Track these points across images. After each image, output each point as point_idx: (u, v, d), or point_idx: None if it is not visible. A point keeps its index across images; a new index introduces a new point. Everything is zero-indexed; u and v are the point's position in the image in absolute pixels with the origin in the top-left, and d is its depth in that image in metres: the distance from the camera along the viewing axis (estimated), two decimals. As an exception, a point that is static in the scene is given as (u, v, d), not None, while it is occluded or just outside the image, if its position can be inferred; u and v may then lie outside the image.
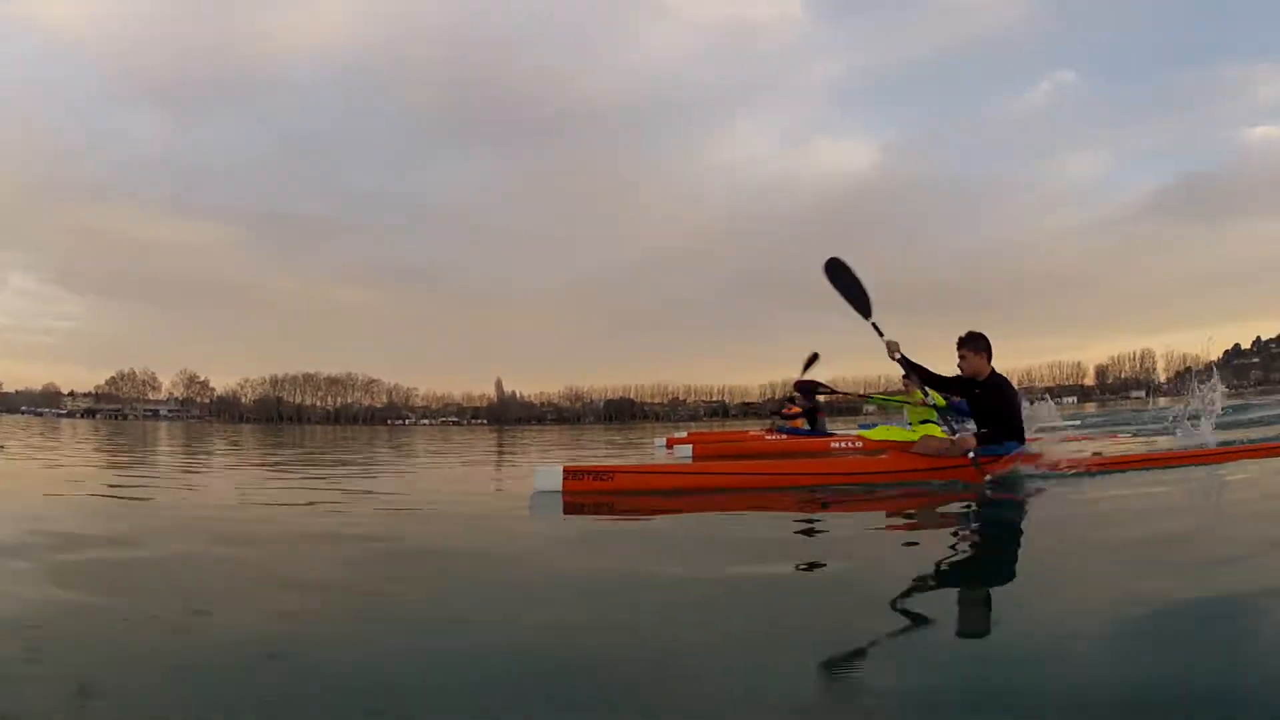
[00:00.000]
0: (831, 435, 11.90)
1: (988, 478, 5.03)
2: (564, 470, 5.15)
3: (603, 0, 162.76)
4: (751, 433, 15.29)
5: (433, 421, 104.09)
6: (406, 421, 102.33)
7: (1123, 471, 5.40)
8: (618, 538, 3.81)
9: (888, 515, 4.33)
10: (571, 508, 4.63)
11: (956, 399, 5.88)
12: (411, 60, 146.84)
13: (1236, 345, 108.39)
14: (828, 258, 5.77)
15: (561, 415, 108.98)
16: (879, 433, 9.43)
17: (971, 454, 5.06)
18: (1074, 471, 5.18)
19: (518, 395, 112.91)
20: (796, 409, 15.49)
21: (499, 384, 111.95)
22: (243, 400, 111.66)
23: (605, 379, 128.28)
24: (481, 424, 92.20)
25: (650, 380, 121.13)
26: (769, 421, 17.27)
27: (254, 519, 4.49)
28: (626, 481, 5.29)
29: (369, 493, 5.94)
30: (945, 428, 6.04)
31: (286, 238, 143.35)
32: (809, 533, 3.72)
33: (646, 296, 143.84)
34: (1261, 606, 1.97)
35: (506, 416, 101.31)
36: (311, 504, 5.20)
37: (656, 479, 5.55)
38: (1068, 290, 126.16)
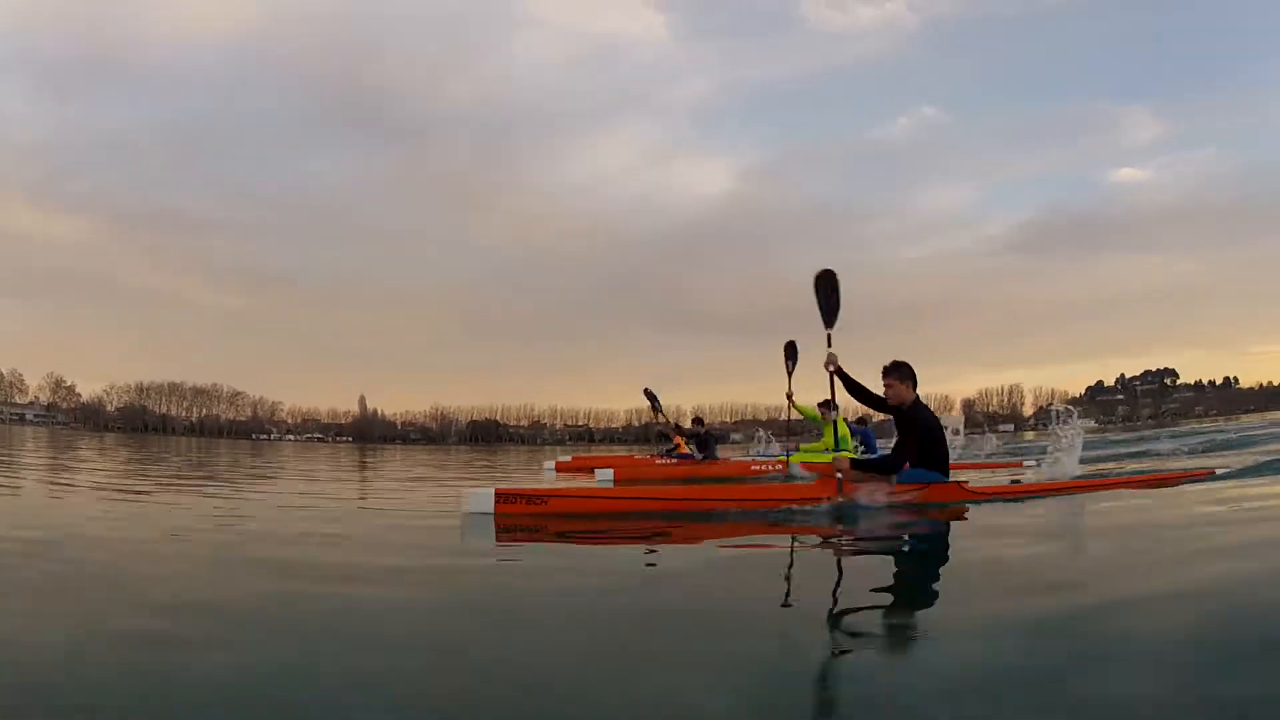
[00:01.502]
0: (744, 461, 12.06)
1: (907, 500, 5.26)
2: (496, 493, 5.07)
3: (474, 5, 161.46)
4: (638, 457, 15.54)
5: (298, 437, 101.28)
6: (271, 437, 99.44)
7: (1037, 498, 5.74)
8: (531, 560, 3.80)
9: (799, 541, 4.39)
10: (504, 531, 4.57)
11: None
12: (286, 53, 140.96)
13: (1100, 382, 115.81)
14: (822, 269, 5.96)
15: (426, 435, 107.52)
16: (798, 458, 9.64)
17: (840, 474, 5.29)
18: (985, 500, 5.47)
19: (379, 413, 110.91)
20: (680, 437, 15.94)
21: (362, 401, 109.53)
22: (108, 408, 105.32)
23: (470, 397, 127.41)
24: (346, 441, 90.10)
25: (516, 401, 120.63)
26: (654, 448, 17.68)
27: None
28: (560, 505, 5.26)
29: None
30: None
31: (156, 234, 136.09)
32: (728, 558, 3.79)
33: (507, 309, 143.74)
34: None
35: (370, 435, 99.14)
36: (239, 524, 4.94)
37: (591, 503, 5.55)
38: (928, 321, 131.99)
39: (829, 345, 5.78)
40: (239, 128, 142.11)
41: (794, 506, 5.35)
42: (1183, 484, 6.21)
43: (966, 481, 5.70)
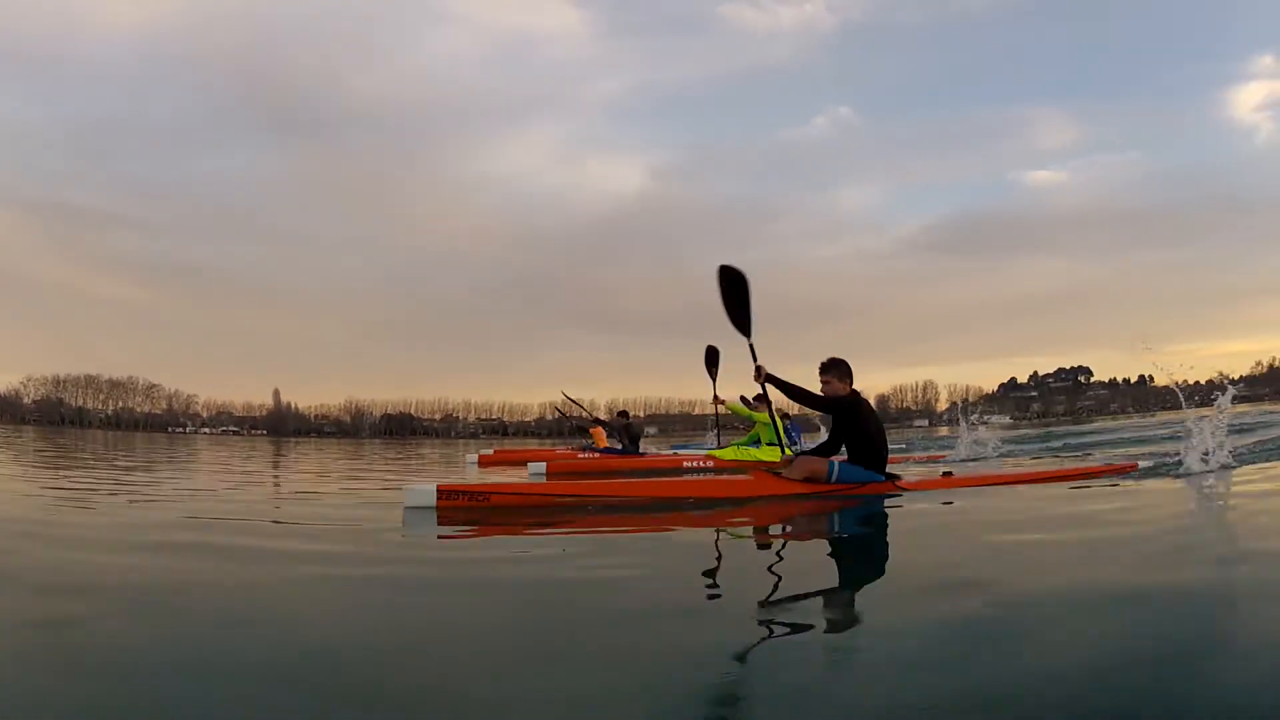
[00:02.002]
0: (675, 455, 12.14)
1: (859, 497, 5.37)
2: (438, 489, 5.03)
3: (389, 2, 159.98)
4: (562, 450, 15.59)
5: (213, 430, 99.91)
6: (186, 430, 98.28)
7: (968, 490, 5.91)
8: (468, 553, 3.83)
9: (734, 534, 4.40)
10: (446, 524, 4.53)
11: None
12: (197, 49, 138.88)
13: (1013, 379, 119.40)
14: (723, 265, 5.86)
15: (341, 428, 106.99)
16: (730, 452, 9.76)
17: (833, 469, 5.47)
18: (920, 491, 5.60)
19: (293, 406, 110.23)
20: (600, 430, 16.21)
21: (277, 394, 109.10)
22: (25, 400, 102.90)
23: (384, 392, 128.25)
24: (261, 434, 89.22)
25: (430, 395, 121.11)
26: (576, 442, 17.77)
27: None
28: (503, 500, 5.23)
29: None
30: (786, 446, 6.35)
31: (61, 227, 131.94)
32: (666, 550, 3.82)
33: (420, 305, 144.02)
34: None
35: (284, 428, 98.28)
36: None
37: (532, 499, 5.54)
38: (840, 319, 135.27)
39: (754, 358, 5.81)
40: (147, 123, 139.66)
41: (733, 498, 5.45)
42: (1107, 476, 6.46)
43: (900, 476, 5.82)
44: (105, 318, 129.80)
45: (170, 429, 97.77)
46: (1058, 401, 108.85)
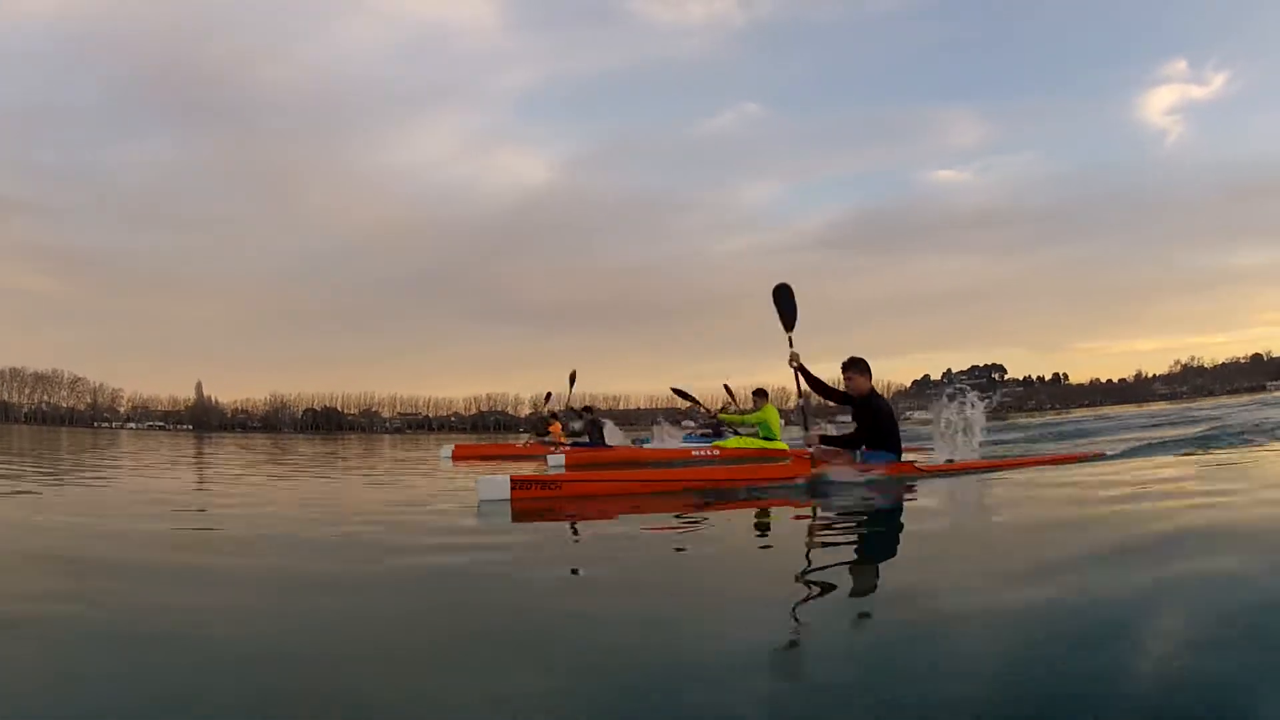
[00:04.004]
0: (683, 447, 12.42)
1: (867, 478, 5.95)
2: (511, 479, 5.37)
3: None
4: (536, 445, 15.83)
5: (138, 425, 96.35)
6: (111, 425, 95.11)
7: (971, 474, 6.57)
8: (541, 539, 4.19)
9: (776, 513, 4.92)
10: (520, 515, 4.82)
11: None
12: (110, 32, 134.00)
13: (926, 375, 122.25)
14: (779, 284, 6.58)
15: (266, 423, 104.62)
16: (735, 442, 10.30)
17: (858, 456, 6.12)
18: (934, 474, 6.27)
19: (214, 400, 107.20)
20: (558, 425, 16.52)
21: (199, 387, 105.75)
22: None
23: (304, 384, 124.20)
24: (187, 430, 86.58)
25: (350, 389, 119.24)
26: (527, 436, 18.05)
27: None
28: (573, 489, 5.70)
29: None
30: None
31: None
32: (724, 532, 4.29)
33: (332, 297, 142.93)
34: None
35: (208, 423, 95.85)
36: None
37: (601, 486, 6.03)
38: (746, 313, 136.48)
39: (790, 346, 6.43)
40: (52, 108, 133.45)
41: (779, 479, 6.06)
42: (1080, 463, 7.20)
43: (915, 461, 6.47)
44: (15, 308, 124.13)
45: (95, 424, 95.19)
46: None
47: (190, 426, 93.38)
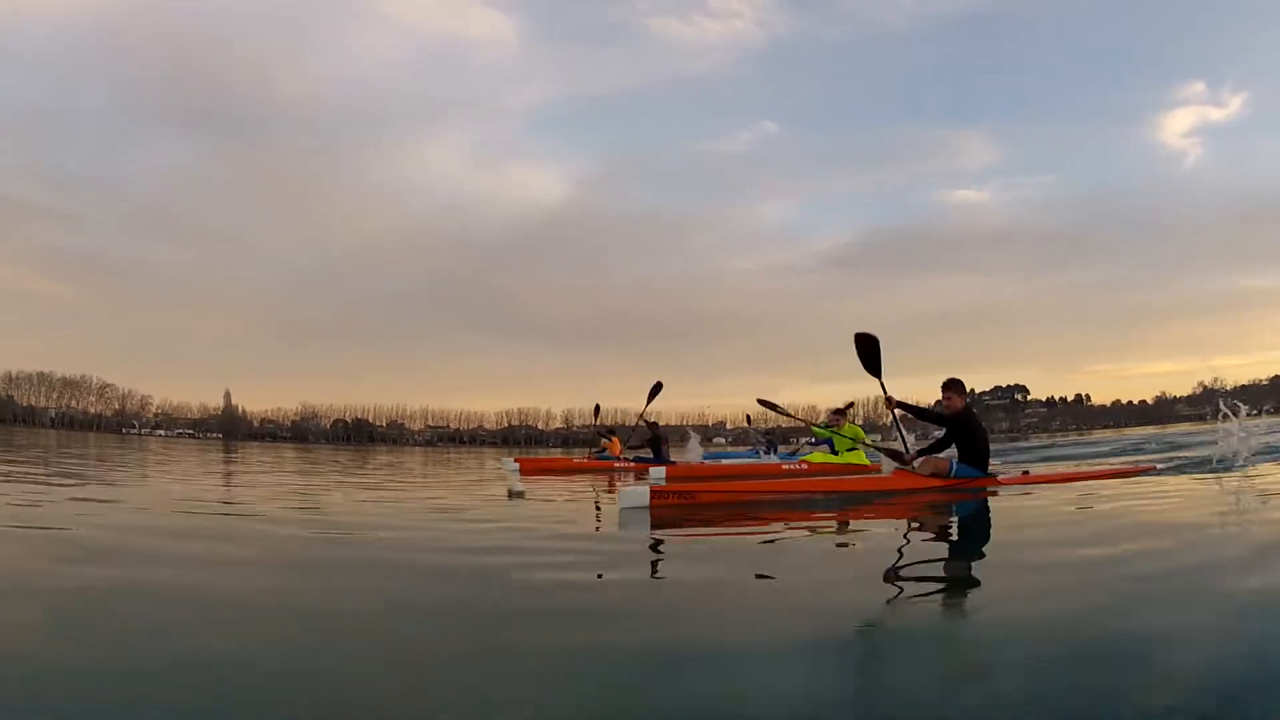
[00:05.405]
0: (774, 462, 12.93)
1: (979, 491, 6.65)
2: (650, 490, 5.94)
3: (320, 1, 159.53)
4: (596, 459, 16.24)
5: (167, 433, 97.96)
6: (140, 431, 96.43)
7: (1047, 485, 7.25)
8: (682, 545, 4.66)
9: (896, 523, 5.44)
10: (658, 523, 5.22)
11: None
12: (128, 39, 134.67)
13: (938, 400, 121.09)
14: (860, 333, 7.41)
15: (296, 433, 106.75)
16: (817, 456, 10.97)
17: (952, 469, 6.83)
18: (1020, 487, 6.91)
19: (241, 410, 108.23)
20: (616, 439, 16.91)
21: (228, 396, 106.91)
22: None
23: (336, 396, 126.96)
24: (216, 438, 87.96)
25: (390, 401, 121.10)
26: (587, 451, 18.47)
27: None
28: (706, 498, 6.27)
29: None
30: (871, 455, 7.71)
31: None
32: (855, 535, 4.89)
33: (342, 306, 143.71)
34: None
35: (237, 432, 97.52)
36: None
37: (731, 495, 6.63)
38: (757, 331, 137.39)
39: (884, 392, 7.31)
40: (66, 115, 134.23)
41: (883, 490, 6.82)
42: (1138, 475, 7.92)
43: (998, 474, 7.16)
44: (29, 311, 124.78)
45: (124, 430, 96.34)
46: (998, 419, 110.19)
47: (220, 435, 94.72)
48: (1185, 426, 46.53)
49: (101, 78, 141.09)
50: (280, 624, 2.44)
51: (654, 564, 3.89)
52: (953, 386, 7.22)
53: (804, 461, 11.12)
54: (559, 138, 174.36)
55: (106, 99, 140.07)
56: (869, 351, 7.37)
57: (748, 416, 39.14)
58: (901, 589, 3.12)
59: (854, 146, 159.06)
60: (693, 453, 17.89)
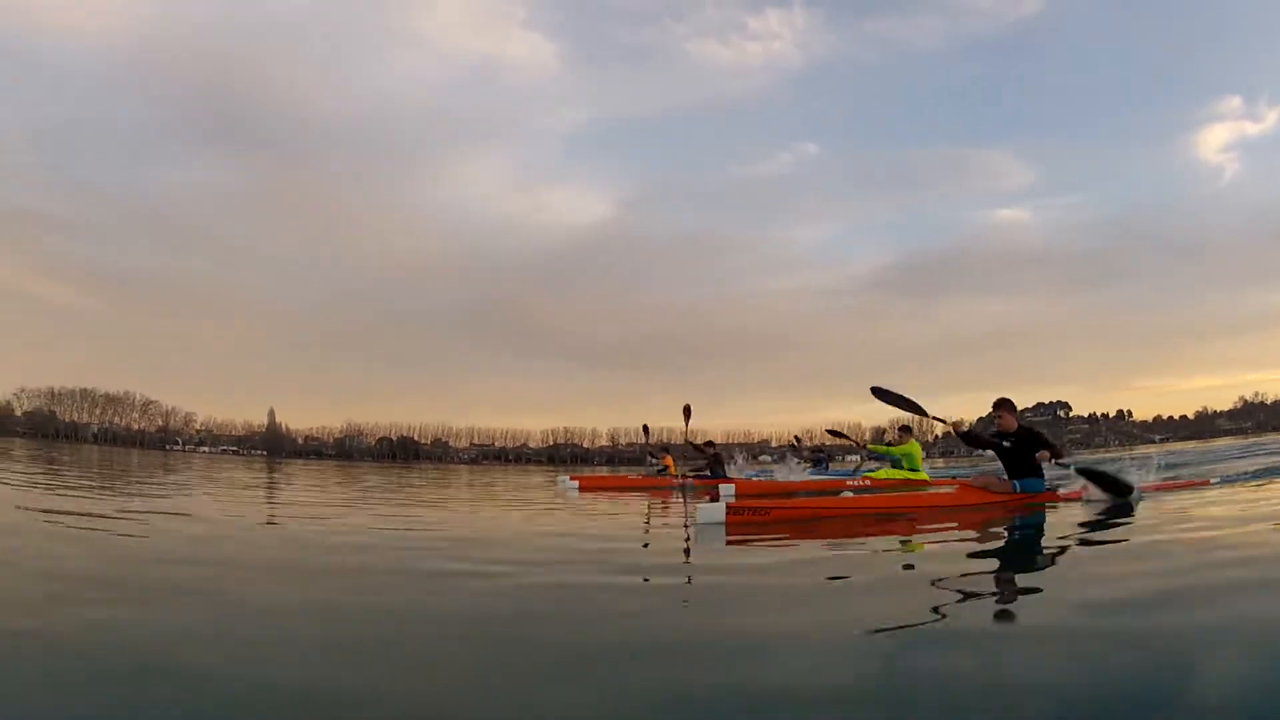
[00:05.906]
0: (839, 478, 13.06)
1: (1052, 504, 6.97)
2: (727, 506, 6.20)
3: (358, 22, 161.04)
4: (633, 477, 16.62)
5: (212, 449, 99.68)
6: (184, 448, 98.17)
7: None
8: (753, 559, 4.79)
9: (965, 535, 5.55)
10: (733, 538, 5.42)
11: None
12: (164, 56, 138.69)
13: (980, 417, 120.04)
14: (871, 386, 8.02)
15: (341, 450, 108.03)
16: (884, 474, 11.32)
17: (1016, 485, 7.17)
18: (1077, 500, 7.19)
19: (285, 427, 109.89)
20: (669, 458, 17.16)
21: (271, 414, 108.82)
22: (16, 411, 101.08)
23: (382, 414, 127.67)
24: (261, 455, 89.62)
25: (434, 419, 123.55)
26: (642, 469, 18.68)
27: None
28: (780, 514, 6.56)
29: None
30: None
31: (23, 231, 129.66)
32: (927, 552, 4.94)
33: (376, 323, 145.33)
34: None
35: (280, 449, 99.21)
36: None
37: (803, 511, 6.97)
38: (800, 351, 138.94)
39: (944, 423, 7.82)
40: (105, 131, 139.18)
41: (953, 505, 7.17)
42: (1196, 489, 8.05)
43: (1058, 489, 7.43)
44: (64, 326, 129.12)
45: (167, 446, 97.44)
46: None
47: (264, 452, 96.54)
48: (1228, 440, 45.76)
49: (144, 92, 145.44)
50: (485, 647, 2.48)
51: (733, 571, 4.25)
52: (1004, 405, 7.53)
53: (868, 478, 11.39)
54: (598, 160, 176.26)
55: (141, 114, 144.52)
56: (890, 398, 7.91)
57: (796, 438, 39.27)
58: (993, 595, 3.27)
59: (890, 168, 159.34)
60: (738, 471, 18.16)
